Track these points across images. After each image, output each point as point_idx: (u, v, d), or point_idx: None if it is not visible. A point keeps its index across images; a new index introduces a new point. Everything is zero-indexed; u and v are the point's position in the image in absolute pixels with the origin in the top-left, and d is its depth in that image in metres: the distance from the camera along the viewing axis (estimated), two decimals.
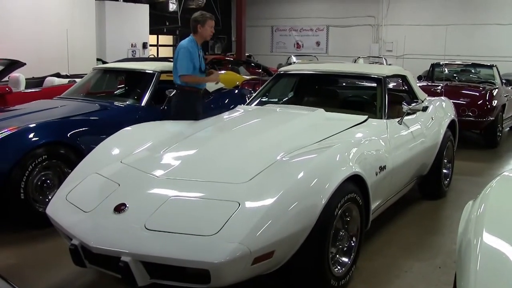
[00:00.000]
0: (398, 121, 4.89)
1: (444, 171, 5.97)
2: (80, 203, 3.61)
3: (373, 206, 4.10)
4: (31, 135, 4.93)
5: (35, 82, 8.73)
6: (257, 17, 24.65)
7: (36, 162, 4.87)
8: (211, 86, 7.00)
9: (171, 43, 23.65)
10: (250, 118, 4.96)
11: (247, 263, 2.99)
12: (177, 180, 3.59)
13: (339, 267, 3.69)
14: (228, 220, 3.08)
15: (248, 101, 5.80)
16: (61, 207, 3.71)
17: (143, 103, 6.12)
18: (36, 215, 4.83)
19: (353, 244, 3.83)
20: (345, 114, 4.88)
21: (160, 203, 3.33)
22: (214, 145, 4.16)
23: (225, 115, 5.19)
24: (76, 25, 13.39)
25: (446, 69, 10.82)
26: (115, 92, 7.20)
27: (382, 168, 4.15)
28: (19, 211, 4.80)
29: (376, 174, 4.06)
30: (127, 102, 6.30)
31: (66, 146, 5.09)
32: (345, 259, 3.76)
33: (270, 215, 3.12)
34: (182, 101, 5.89)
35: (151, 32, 18.98)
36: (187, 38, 6.07)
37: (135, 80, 6.79)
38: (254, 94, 5.91)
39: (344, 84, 6.74)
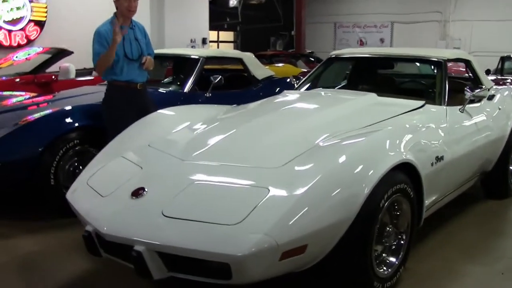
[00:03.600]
0: (460, 109, 4.37)
1: (511, 167, 5.36)
2: (99, 187, 3.31)
3: (427, 201, 3.63)
4: (63, 119, 4.71)
5: (86, 72, 8.60)
6: (320, 14, 24.04)
7: (68, 146, 4.65)
8: (259, 74, 6.64)
9: (232, 40, 23.46)
10: (293, 101, 4.54)
11: (274, 257, 2.60)
12: (203, 164, 3.23)
13: (384, 268, 3.24)
14: (254, 208, 2.70)
15: (296, 87, 5.39)
16: (81, 192, 3.42)
17: (185, 89, 5.82)
18: (66, 202, 4.53)
19: (402, 242, 3.37)
20: (399, 99, 4.39)
21: (181, 189, 2.98)
22: (249, 128, 3.76)
23: (268, 99, 4.80)
24: None
25: None
26: (163, 79, 6.94)
27: (439, 159, 3.67)
28: (49, 197, 4.58)
29: (432, 165, 3.58)
30: (170, 88, 6.04)
31: (101, 131, 4.79)
32: (392, 259, 3.31)
33: (303, 204, 2.71)
34: (108, 101, 4.84)
35: (212, 28, 18.76)
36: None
37: (180, 66, 6.57)
38: (302, 79, 5.50)
39: (401, 69, 6.22)
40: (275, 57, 12.53)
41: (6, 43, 10.67)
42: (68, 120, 4.71)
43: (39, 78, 7.48)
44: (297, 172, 2.96)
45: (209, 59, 6.26)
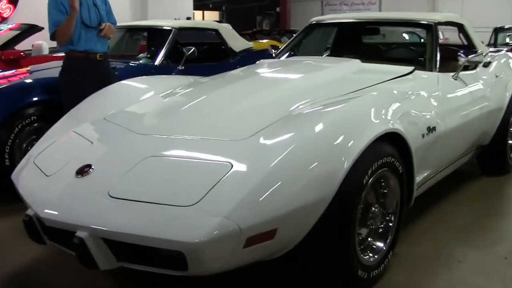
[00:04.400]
0: (453, 76, 3.94)
1: (510, 142, 4.92)
2: (45, 166, 2.90)
3: (419, 177, 3.23)
4: (20, 92, 4.30)
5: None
6: None
7: (24, 123, 4.29)
8: (236, 46, 6.22)
9: (217, 19, 22.96)
10: (268, 69, 4.10)
11: (236, 245, 2.20)
12: (159, 137, 2.80)
13: (370, 254, 2.84)
14: (213, 187, 2.29)
15: (274, 56, 4.95)
16: (26, 171, 3.00)
17: (157, 62, 5.43)
18: None
19: (390, 224, 2.97)
20: (385, 65, 3.97)
21: (131, 165, 2.56)
22: (216, 97, 3.33)
23: (241, 68, 4.37)
24: None
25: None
26: (136, 54, 6.50)
27: (430, 130, 3.25)
28: (2, 179, 4.12)
29: (423, 137, 3.16)
30: (140, 61, 5.63)
31: (62, 107, 4.37)
32: (379, 244, 2.91)
33: (271, 181, 2.30)
34: (64, 74, 4.40)
35: (196, 8, 18.29)
36: None
37: (152, 38, 6.22)
38: (280, 48, 5.07)
39: (389, 38, 5.79)
40: (258, 34, 12.10)
41: None
42: (26, 94, 4.30)
43: (6, 55, 7.06)
44: (266, 144, 2.54)
45: (182, 30, 5.84)
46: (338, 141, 2.52)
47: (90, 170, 2.61)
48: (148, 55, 5.77)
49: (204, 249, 2.13)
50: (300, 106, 2.93)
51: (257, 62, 4.49)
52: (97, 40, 4.37)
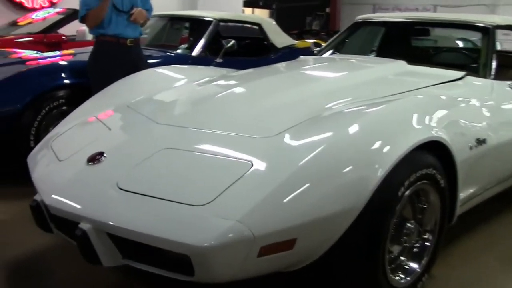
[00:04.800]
0: (509, 85, 3.62)
1: None
2: (60, 150, 2.72)
3: (463, 194, 2.89)
4: (50, 74, 4.21)
5: None
6: None
7: (52, 105, 4.17)
8: (279, 42, 5.99)
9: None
10: (306, 65, 3.85)
11: (249, 252, 1.96)
12: (179, 128, 2.59)
13: (402, 275, 2.55)
14: (229, 187, 2.06)
15: (315, 54, 4.69)
16: (41, 155, 2.84)
17: (194, 53, 5.25)
18: None
19: (427, 243, 2.67)
20: (434, 68, 3.66)
21: (145, 156, 2.36)
22: (246, 90, 3.11)
23: (278, 64, 4.12)
24: None
25: None
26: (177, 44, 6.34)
27: (480, 142, 2.93)
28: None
29: (471, 149, 2.85)
30: (177, 51, 5.44)
31: None
32: (413, 264, 2.62)
33: (293, 184, 2.06)
34: (93, 58, 4.29)
35: (246, 5, 18.10)
36: None
37: (193, 29, 6.07)
38: (323, 46, 4.80)
39: (441, 43, 5.45)
40: (306, 34, 11.83)
41: (28, 5, 10.21)
42: (55, 76, 4.18)
43: (49, 38, 7.01)
44: (293, 144, 2.31)
45: (223, 22, 5.67)
46: (373, 146, 2.26)
47: (102, 158, 2.42)
48: (187, 46, 5.58)
49: (212, 254, 1.91)
50: (335, 106, 2.67)
51: (298, 58, 4.24)
52: (127, 25, 4.24)
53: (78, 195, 2.27)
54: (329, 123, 2.44)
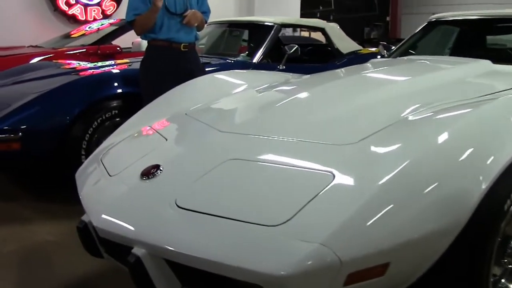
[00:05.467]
0: None
1: None
2: (111, 164, 2.45)
3: None
4: (101, 83, 3.95)
5: None
6: (417, 4, 22.35)
7: (105, 117, 3.91)
8: (344, 47, 5.65)
9: None
10: (379, 67, 3.49)
11: (334, 281, 1.63)
12: (246, 137, 2.28)
13: None
14: (308, 203, 1.74)
15: (386, 57, 4.33)
16: (90, 169, 2.58)
17: (255, 59, 4.97)
18: None
19: None
20: None
21: (208, 169, 2.05)
22: (315, 95, 2.76)
23: (346, 67, 3.78)
24: None
25: None
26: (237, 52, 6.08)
27: None
28: None
29: None
30: (238, 58, 5.16)
31: None
32: None
33: (384, 200, 1.72)
34: (144, 64, 4.03)
35: (303, 16, 17.80)
36: None
37: (253, 34, 5.77)
38: (393, 49, 4.43)
39: None
40: (366, 43, 11.44)
41: (81, 18, 10.11)
42: (108, 85, 3.93)
43: (103, 49, 6.82)
44: (377, 153, 1.97)
45: (285, 26, 5.39)
46: (469, 155, 1.90)
47: (158, 172, 2.13)
48: (247, 52, 5.30)
49: (290, 284, 1.59)
50: (416, 111, 2.31)
51: (369, 61, 3.90)
52: (180, 28, 3.94)
53: (131, 215, 1.98)
54: (415, 131, 2.09)
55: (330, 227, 1.64)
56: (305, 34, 17.94)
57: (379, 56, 5.26)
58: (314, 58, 5.91)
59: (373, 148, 1.99)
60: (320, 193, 1.77)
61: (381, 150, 1.98)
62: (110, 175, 2.31)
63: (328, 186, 1.79)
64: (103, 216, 2.01)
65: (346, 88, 2.88)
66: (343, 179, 1.82)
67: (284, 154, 2.08)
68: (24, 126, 3.60)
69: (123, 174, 2.26)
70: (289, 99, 2.65)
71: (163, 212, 1.91)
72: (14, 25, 9.16)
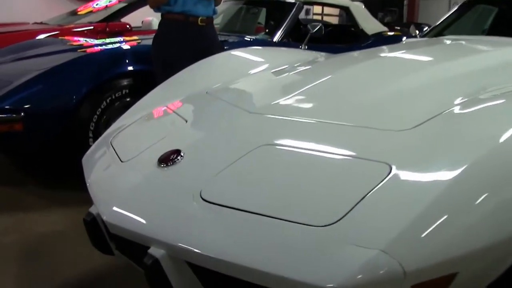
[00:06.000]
0: None
1: None
2: (122, 148, 2.16)
3: None
4: (111, 60, 3.65)
5: None
6: None
7: (114, 97, 3.63)
8: (369, 28, 5.33)
9: (337, 14, 21.92)
10: (416, 48, 3.16)
11: None
12: (282, 119, 1.97)
13: None
14: (363, 199, 1.44)
15: (419, 36, 4.00)
16: (99, 155, 2.28)
17: (275, 39, 4.65)
18: None
19: None
20: None
21: (238, 156, 1.75)
22: (351, 75, 2.45)
23: (380, 47, 3.44)
24: None
25: None
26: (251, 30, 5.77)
27: None
28: None
29: None
30: (257, 36, 4.84)
31: None
32: None
33: (453, 201, 1.41)
34: (158, 39, 3.74)
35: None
36: None
37: (274, 12, 5.50)
38: (427, 29, 4.10)
39: None
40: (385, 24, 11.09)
41: None
42: (118, 62, 3.64)
43: (111, 27, 6.52)
44: (439, 142, 1.65)
45: (307, 4, 5.11)
46: None
47: (179, 158, 1.83)
48: (267, 31, 5.00)
49: None
50: (470, 96, 1.99)
51: (404, 41, 3.58)
52: (197, 1, 3.62)
53: (147, 208, 1.69)
54: (471, 123, 1.77)
55: (392, 229, 1.34)
56: (317, 18, 17.58)
57: (405, 38, 4.95)
58: (337, 39, 5.59)
59: (431, 136, 1.69)
60: (377, 187, 1.46)
61: (441, 138, 1.68)
62: (121, 161, 2.02)
63: (386, 180, 1.49)
64: (114, 209, 1.72)
65: (385, 69, 2.55)
66: (402, 171, 1.52)
67: (327, 140, 1.77)
68: (27, 106, 3.35)
69: (137, 160, 1.96)
70: (323, 79, 2.33)
71: (185, 205, 1.61)
72: (19, 2, 8.87)
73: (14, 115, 3.32)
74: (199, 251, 1.47)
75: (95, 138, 3.49)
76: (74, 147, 3.48)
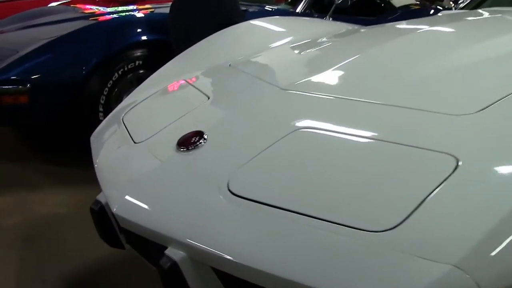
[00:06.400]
0: None
1: None
2: (135, 127, 1.91)
3: None
4: (124, 29, 3.43)
5: None
6: None
7: (126, 68, 3.41)
8: (398, 0, 5.03)
9: None
10: (458, 21, 2.86)
11: None
12: (321, 98, 1.70)
13: None
14: (426, 198, 1.17)
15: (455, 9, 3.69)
16: (109, 133, 2.04)
17: (298, 9, 4.39)
18: None
19: None
20: None
21: (271, 141, 1.49)
22: (392, 50, 2.13)
23: (412, 20, 3.14)
24: None
25: None
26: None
27: None
28: None
29: None
30: (278, 6, 4.61)
31: None
32: None
33: None
34: (174, 7, 3.50)
35: None
36: None
37: None
38: (464, 0, 3.79)
39: None
40: None
41: None
42: (131, 31, 3.44)
43: None
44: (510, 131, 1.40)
45: None
46: None
47: (201, 141, 1.57)
48: (289, 1, 4.73)
49: None
50: None
51: (440, 14, 3.28)
52: None
53: (165, 201, 1.44)
54: None
55: (467, 240, 1.09)
56: None
57: (451, 4, 4.64)
58: (363, 11, 5.28)
59: (502, 123, 1.42)
60: (442, 184, 1.20)
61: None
62: (134, 142, 1.77)
63: (453, 175, 1.23)
64: (126, 199, 1.47)
65: (430, 44, 2.25)
66: (472, 165, 1.26)
67: (377, 125, 1.51)
68: (33, 77, 3.17)
69: (152, 141, 1.72)
70: (361, 54, 2.05)
71: (210, 199, 1.36)
72: None
73: (20, 87, 3.15)
74: (228, 257, 1.23)
75: (106, 113, 3.28)
76: (82, 122, 3.31)
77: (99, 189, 1.68)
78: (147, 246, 1.52)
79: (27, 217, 2.71)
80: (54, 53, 3.26)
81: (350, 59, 1.98)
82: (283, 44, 2.53)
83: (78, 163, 3.35)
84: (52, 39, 3.30)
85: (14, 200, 2.92)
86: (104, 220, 1.67)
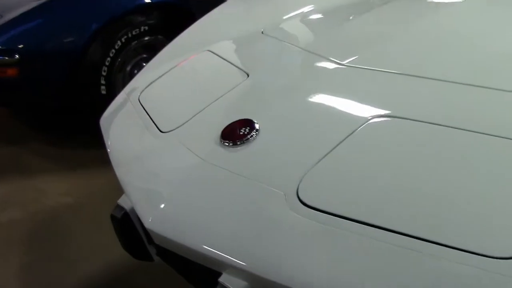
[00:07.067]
0: None
1: None
2: (158, 111, 1.58)
3: None
4: None
5: None
6: None
7: (130, 35, 3.13)
8: None
9: None
10: None
11: None
12: (394, 76, 1.37)
13: None
14: None
15: None
16: (124, 117, 1.71)
17: None
18: None
19: None
20: None
21: (347, 131, 1.18)
22: (461, 18, 1.77)
23: None
24: None
25: None
26: None
27: None
28: (97, 114, 3.01)
29: None
30: None
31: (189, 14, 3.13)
32: None
33: None
34: None
35: None
36: None
37: None
38: None
39: None
40: None
41: None
42: None
43: None
44: None
45: None
46: None
47: (253, 134, 1.25)
48: None
49: None
50: None
51: None
52: None
53: (215, 213, 1.14)
54: None
55: None
56: None
57: None
58: None
59: None
60: None
61: None
62: (161, 131, 1.45)
63: None
64: (162, 208, 1.17)
65: (494, 12, 1.92)
66: None
67: (469, 110, 1.19)
68: (22, 46, 2.88)
69: (185, 131, 1.41)
70: (419, 24, 1.71)
71: (275, 212, 1.07)
72: None
73: (7, 58, 2.87)
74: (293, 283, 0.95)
75: (108, 86, 3.07)
76: (82, 97, 3.04)
77: (107, 176, 1.37)
78: (187, 264, 1.22)
79: (29, 210, 2.46)
80: (47, 18, 2.97)
81: (408, 32, 1.65)
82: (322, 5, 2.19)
83: (82, 143, 3.10)
84: (43, 0, 2.99)
85: (13, 189, 2.69)
86: (129, 228, 1.37)
